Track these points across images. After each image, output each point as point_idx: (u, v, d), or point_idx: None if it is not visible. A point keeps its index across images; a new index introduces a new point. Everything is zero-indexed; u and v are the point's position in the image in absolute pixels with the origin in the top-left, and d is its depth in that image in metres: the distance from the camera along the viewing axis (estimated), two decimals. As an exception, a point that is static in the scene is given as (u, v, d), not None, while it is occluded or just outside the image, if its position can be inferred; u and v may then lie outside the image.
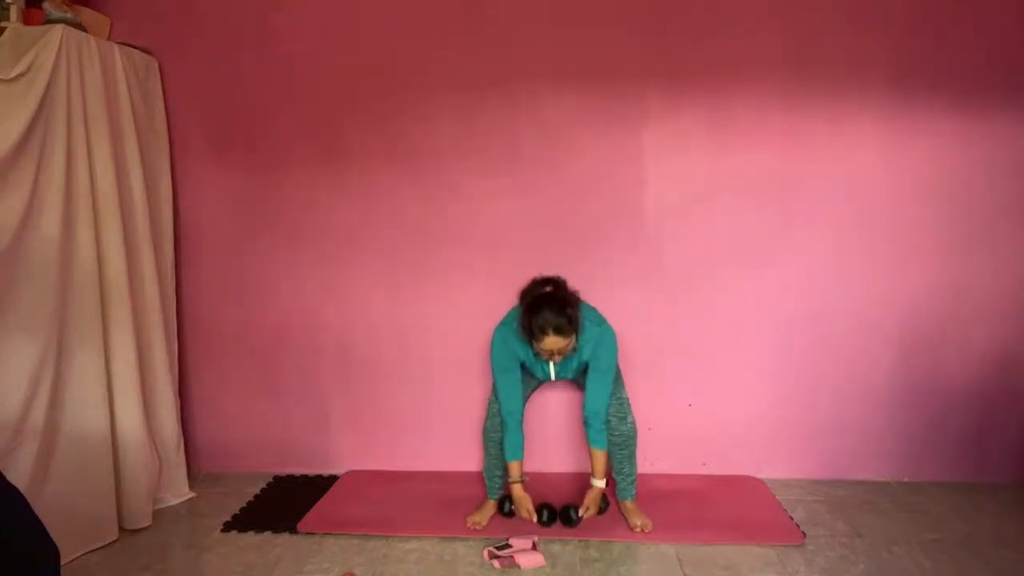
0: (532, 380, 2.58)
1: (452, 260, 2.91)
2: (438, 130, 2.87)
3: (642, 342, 2.88)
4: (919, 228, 2.80)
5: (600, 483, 2.45)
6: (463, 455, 3.00)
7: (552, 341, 2.22)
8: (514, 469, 2.46)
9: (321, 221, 2.96)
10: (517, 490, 2.47)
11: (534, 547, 2.33)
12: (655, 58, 2.78)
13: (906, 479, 2.94)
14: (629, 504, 2.55)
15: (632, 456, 2.54)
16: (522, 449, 2.46)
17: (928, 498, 2.76)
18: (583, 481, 2.90)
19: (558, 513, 2.49)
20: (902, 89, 2.74)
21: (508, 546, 2.33)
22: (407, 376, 3.01)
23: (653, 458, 2.96)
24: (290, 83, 2.90)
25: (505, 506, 2.55)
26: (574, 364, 2.42)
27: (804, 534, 2.43)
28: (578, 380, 2.59)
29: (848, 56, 2.73)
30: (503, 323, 2.44)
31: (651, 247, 2.87)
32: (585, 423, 2.43)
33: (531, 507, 2.46)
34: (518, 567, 2.23)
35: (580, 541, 2.41)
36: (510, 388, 2.42)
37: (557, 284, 2.32)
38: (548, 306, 2.22)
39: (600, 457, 2.43)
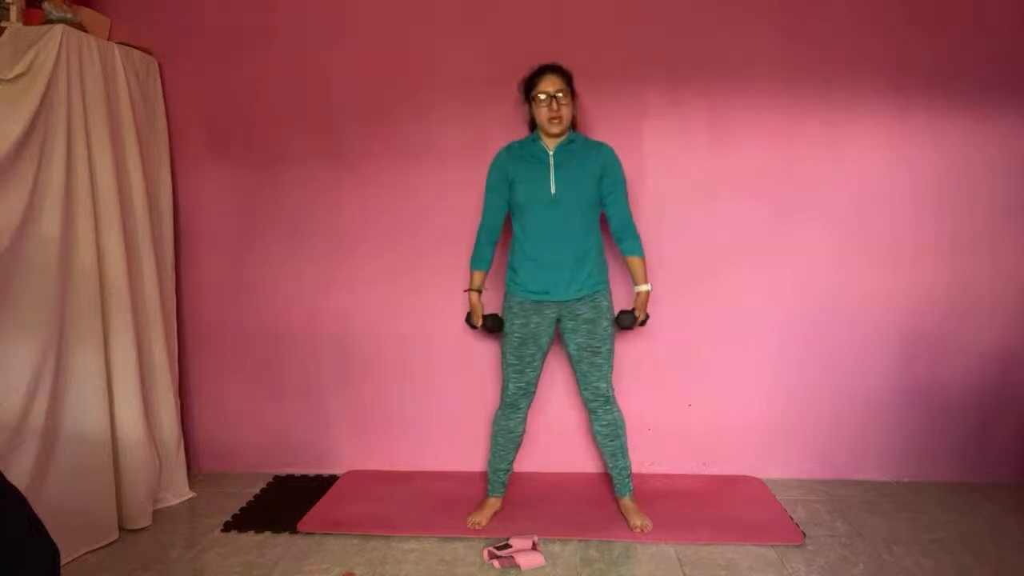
0: (536, 348, 2.47)
1: (452, 258, 2.91)
2: (437, 129, 2.87)
3: (642, 342, 2.88)
4: (919, 227, 2.80)
5: (646, 287, 2.50)
6: (463, 455, 3.00)
7: (550, 80, 2.34)
8: (476, 278, 2.55)
9: (321, 220, 2.96)
10: (473, 297, 2.55)
11: (534, 547, 2.33)
12: (654, 57, 2.78)
13: (906, 479, 2.94)
14: (627, 502, 2.55)
15: (623, 448, 2.53)
16: (488, 264, 2.55)
17: (928, 498, 2.76)
18: (583, 481, 2.91)
19: (616, 316, 2.50)
20: (902, 88, 2.74)
21: (508, 546, 2.33)
22: (407, 376, 3.01)
23: (653, 458, 2.96)
24: (290, 83, 2.90)
25: (470, 320, 2.59)
26: (577, 173, 2.38)
27: (804, 534, 2.43)
28: (576, 366, 2.53)
29: (848, 55, 2.74)
30: (504, 146, 2.52)
31: (650, 247, 2.85)
32: (617, 239, 2.49)
33: (480, 314, 2.55)
34: (518, 567, 2.23)
35: (580, 541, 2.41)
36: (493, 206, 2.50)
37: None
38: (544, 65, 2.40)
39: (639, 264, 2.48)
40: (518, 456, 2.63)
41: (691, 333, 2.91)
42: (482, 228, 2.54)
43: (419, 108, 2.87)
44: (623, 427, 2.53)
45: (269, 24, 2.88)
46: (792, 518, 2.56)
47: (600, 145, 2.47)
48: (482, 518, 2.52)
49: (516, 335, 2.46)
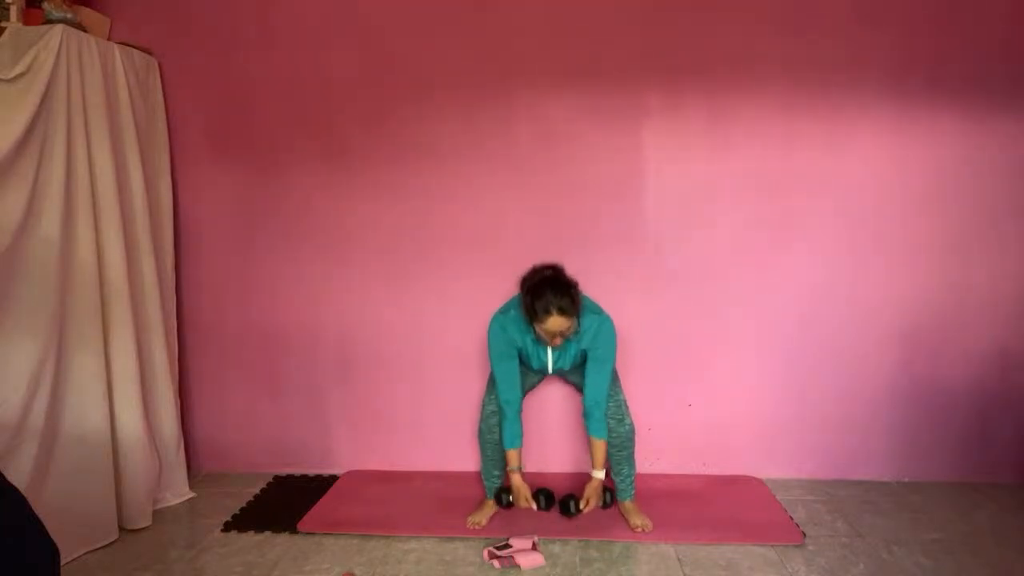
0: (529, 376, 2.58)
1: (452, 259, 2.92)
2: (437, 129, 2.87)
3: (642, 342, 2.88)
4: (919, 227, 2.80)
5: (600, 474, 2.45)
6: (463, 455, 3.00)
7: (555, 322, 2.19)
8: (512, 458, 2.44)
9: (320, 220, 2.96)
10: (516, 479, 2.45)
11: (534, 547, 2.33)
12: (655, 57, 2.78)
13: (906, 479, 2.94)
14: (629, 505, 2.55)
15: (631, 457, 2.54)
16: (520, 438, 2.45)
17: (928, 498, 2.76)
18: (582, 480, 2.90)
19: (557, 503, 2.48)
20: (903, 88, 2.74)
21: (508, 546, 2.33)
22: (407, 376, 3.01)
23: (653, 458, 2.96)
24: (290, 83, 2.90)
25: (503, 498, 2.54)
26: (572, 352, 2.40)
27: (804, 534, 2.43)
28: (574, 380, 2.59)
29: (848, 55, 2.73)
30: (501, 311, 2.44)
31: (651, 247, 2.87)
32: (585, 414, 2.42)
33: (529, 495, 2.45)
34: (518, 567, 2.23)
35: (580, 541, 2.41)
36: (508, 376, 2.41)
37: (557, 269, 2.32)
38: (551, 287, 2.21)
39: (600, 447, 2.41)
40: (518, 456, 2.63)
41: (691, 333, 2.91)
42: (506, 403, 2.41)
43: (419, 108, 2.87)
44: (633, 438, 2.53)
45: (269, 24, 2.88)
46: (792, 518, 2.56)
47: (597, 323, 2.35)
48: (482, 518, 2.52)
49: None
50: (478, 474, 2.84)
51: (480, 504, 2.61)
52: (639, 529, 2.45)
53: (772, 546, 2.36)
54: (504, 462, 2.55)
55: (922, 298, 2.83)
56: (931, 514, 2.62)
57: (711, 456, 2.97)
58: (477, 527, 2.49)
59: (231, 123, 2.94)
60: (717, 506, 2.67)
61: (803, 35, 2.74)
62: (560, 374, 2.57)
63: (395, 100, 2.87)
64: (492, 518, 2.56)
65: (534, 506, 2.43)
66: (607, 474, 2.53)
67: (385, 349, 3.00)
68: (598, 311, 2.39)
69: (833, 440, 2.93)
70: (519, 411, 2.45)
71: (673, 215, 2.85)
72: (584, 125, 2.82)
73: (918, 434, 2.91)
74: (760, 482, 2.89)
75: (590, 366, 2.38)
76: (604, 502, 2.54)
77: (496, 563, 2.25)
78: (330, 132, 2.91)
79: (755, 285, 2.86)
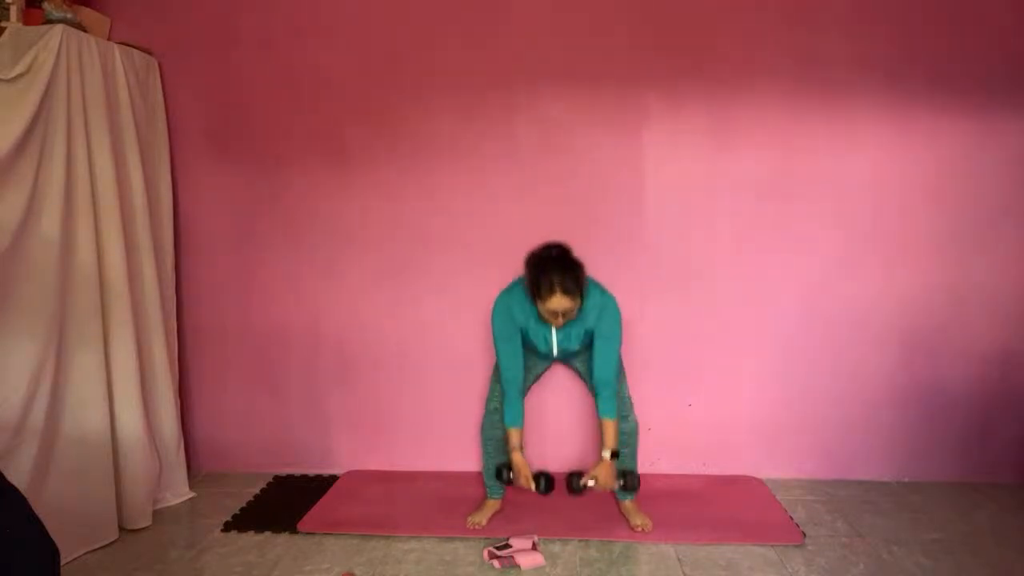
0: (533, 363, 2.54)
1: (451, 259, 2.92)
2: (438, 130, 2.87)
3: (642, 342, 2.88)
4: (920, 227, 2.80)
5: (607, 454, 2.35)
6: (463, 455, 3.00)
7: (558, 300, 2.17)
8: (514, 436, 2.41)
9: (321, 221, 2.96)
10: (517, 457, 2.40)
11: (534, 547, 2.33)
12: (655, 58, 2.78)
13: (906, 479, 2.94)
14: (629, 504, 2.55)
15: (634, 456, 2.54)
16: (522, 417, 2.42)
17: (928, 498, 2.76)
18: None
19: (564, 478, 2.38)
20: (902, 88, 2.74)
21: (508, 546, 2.33)
22: (407, 376, 3.01)
23: (653, 458, 2.96)
24: (290, 83, 2.90)
25: (504, 474, 2.46)
26: (577, 332, 2.37)
27: (804, 534, 2.43)
28: (578, 366, 2.57)
29: (848, 55, 2.73)
30: (506, 290, 2.42)
31: (651, 247, 2.87)
32: (595, 393, 2.39)
33: (529, 475, 2.38)
34: (518, 567, 2.23)
35: (580, 541, 2.41)
36: (511, 356, 2.39)
37: (564, 248, 2.30)
38: (556, 265, 2.20)
39: (610, 427, 2.35)
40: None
41: (691, 333, 2.91)
42: (508, 382, 2.40)
43: (418, 109, 2.87)
44: (636, 436, 2.53)
45: (269, 24, 2.88)
46: (792, 518, 2.56)
47: (601, 302, 2.34)
48: (482, 518, 2.52)
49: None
50: (478, 474, 2.84)
51: (480, 504, 2.61)
52: (639, 529, 2.45)
53: (772, 546, 2.36)
54: (506, 460, 2.55)
55: (922, 298, 2.83)
56: (931, 514, 2.62)
57: (711, 456, 2.97)
58: (477, 527, 2.49)
59: (231, 123, 2.94)
60: (717, 506, 2.67)
61: (803, 35, 2.74)
62: (565, 358, 2.54)
63: (395, 100, 2.87)
64: (492, 518, 2.56)
65: (533, 486, 2.36)
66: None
67: (385, 349, 3.00)
68: (603, 291, 2.37)
69: (833, 440, 2.93)
70: (521, 390, 2.42)
71: (673, 215, 2.85)
72: (584, 125, 2.82)
73: (918, 434, 2.91)
74: (760, 482, 2.90)
75: (597, 344, 2.35)
76: (624, 485, 2.40)
77: (496, 563, 2.25)
78: (330, 132, 2.91)
79: (755, 285, 2.86)
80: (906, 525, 2.53)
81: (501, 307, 2.39)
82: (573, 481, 2.36)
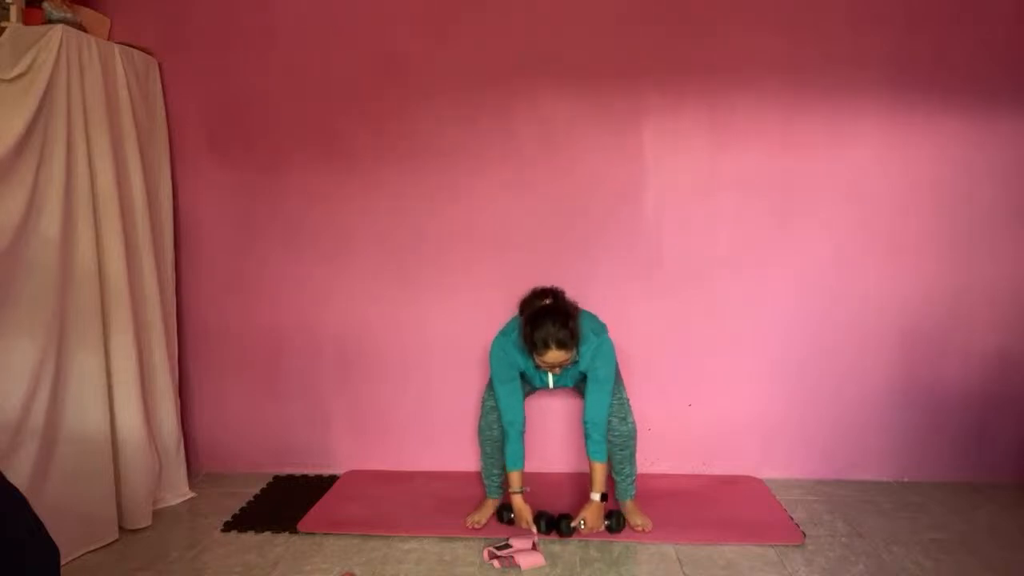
0: (529, 384, 2.58)
1: (452, 259, 2.92)
2: (438, 130, 2.87)
3: (642, 342, 2.88)
4: (919, 227, 2.80)
5: (597, 496, 2.38)
6: (463, 455, 3.00)
7: (554, 355, 2.21)
8: (515, 479, 2.44)
9: (321, 221, 2.96)
10: (517, 501, 2.43)
11: (534, 547, 2.33)
12: (655, 57, 2.78)
13: (906, 479, 2.94)
14: (629, 504, 2.55)
15: (632, 457, 2.54)
16: (523, 460, 2.45)
17: (928, 498, 2.76)
18: (582, 481, 2.90)
19: (554, 521, 2.43)
20: (902, 88, 2.74)
21: (508, 546, 2.33)
22: (407, 376, 3.02)
23: (653, 458, 2.96)
24: (290, 83, 2.90)
25: (504, 515, 2.52)
26: (573, 373, 2.44)
27: (804, 534, 2.43)
28: (578, 386, 2.59)
29: (848, 55, 2.73)
30: (502, 333, 2.44)
31: (651, 246, 2.87)
32: (585, 434, 2.41)
33: (530, 518, 2.41)
34: (518, 567, 2.23)
35: (580, 541, 2.41)
36: (511, 398, 2.41)
37: (557, 295, 2.33)
38: (550, 319, 2.21)
39: (599, 470, 2.38)
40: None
41: (691, 333, 2.91)
42: (509, 424, 2.41)
43: (419, 109, 2.87)
44: (635, 437, 2.53)
45: (269, 24, 2.88)
46: (792, 518, 2.56)
47: (596, 345, 2.33)
48: (481, 517, 2.52)
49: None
50: (478, 474, 2.84)
51: (480, 503, 2.62)
52: (639, 528, 2.45)
53: (772, 546, 2.36)
54: (502, 464, 2.56)
55: (922, 298, 2.83)
56: (931, 514, 2.62)
57: (711, 456, 2.98)
58: (477, 526, 2.49)
59: (231, 123, 2.94)
60: (717, 506, 2.67)
61: (803, 35, 2.74)
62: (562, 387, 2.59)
63: (395, 100, 2.87)
64: (492, 517, 2.56)
65: (534, 529, 2.41)
66: (609, 474, 2.52)
67: (385, 348, 3.00)
68: (598, 331, 2.37)
69: (833, 440, 2.93)
70: (522, 432, 2.44)
71: (674, 215, 2.85)
72: (585, 125, 2.82)
73: (918, 434, 2.91)
74: (760, 482, 2.90)
75: (589, 387, 2.37)
76: (610, 526, 2.44)
77: (496, 563, 2.25)
78: (330, 132, 2.91)
79: (755, 285, 2.86)
80: (906, 525, 2.53)
81: (499, 350, 2.40)
82: (563, 524, 2.40)
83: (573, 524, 2.39)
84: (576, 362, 2.34)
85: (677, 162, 2.83)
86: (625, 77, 2.80)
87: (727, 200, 2.83)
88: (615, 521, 2.45)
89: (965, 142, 2.75)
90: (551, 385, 2.48)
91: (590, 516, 2.38)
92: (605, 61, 2.79)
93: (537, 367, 2.36)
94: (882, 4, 2.71)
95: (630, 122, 2.82)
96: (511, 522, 2.48)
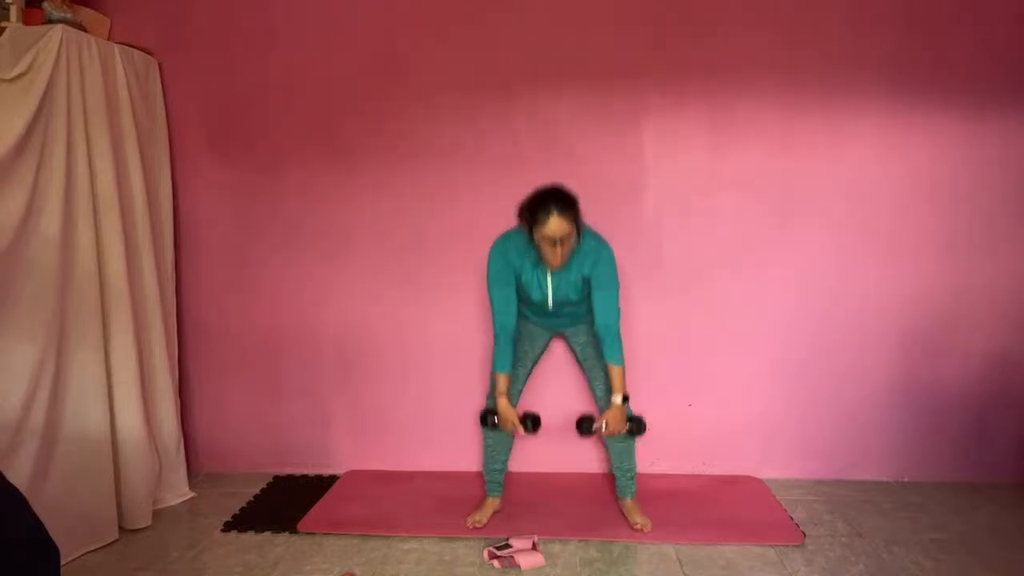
0: (529, 344, 2.52)
1: (452, 260, 2.91)
2: (438, 130, 2.87)
3: (642, 342, 2.88)
4: (919, 227, 2.80)
5: (618, 399, 2.35)
6: (463, 455, 3.00)
7: (555, 224, 2.17)
8: (501, 382, 2.40)
9: (321, 221, 2.96)
10: (502, 403, 2.40)
11: (534, 547, 2.33)
12: (655, 58, 2.78)
13: (906, 479, 2.94)
14: (629, 502, 2.55)
15: (631, 451, 2.53)
16: (511, 363, 2.42)
17: (928, 498, 2.76)
18: (583, 481, 2.91)
19: (576, 422, 2.39)
20: (901, 88, 2.74)
21: (508, 546, 2.33)
22: (407, 376, 3.02)
23: (653, 458, 2.96)
24: (290, 83, 2.90)
25: (488, 419, 2.46)
26: (573, 279, 2.35)
27: (804, 534, 2.43)
28: (576, 340, 2.55)
29: (848, 55, 2.73)
30: (502, 236, 2.42)
31: (651, 246, 2.87)
32: (599, 340, 2.38)
33: (516, 420, 2.39)
34: (518, 567, 2.23)
35: (580, 541, 2.41)
36: (504, 302, 2.38)
37: (559, 185, 2.31)
38: (552, 194, 2.22)
39: (618, 373, 2.34)
40: (518, 456, 2.64)
41: (691, 333, 2.91)
42: (500, 327, 2.39)
43: (419, 109, 2.87)
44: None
45: (269, 24, 2.88)
46: (792, 518, 2.56)
47: (594, 248, 2.33)
48: (482, 516, 2.52)
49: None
50: (478, 474, 2.84)
51: (480, 503, 2.61)
52: (639, 527, 2.45)
53: (772, 546, 2.36)
54: (506, 455, 2.57)
55: (922, 298, 2.83)
56: (931, 514, 2.62)
57: (711, 456, 2.98)
58: (477, 525, 2.49)
59: (231, 123, 2.94)
60: (717, 506, 2.67)
61: (803, 35, 2.74)
62: (561, 324, 2.49)
63: (395, 100, 2.87)
64: (492, 517, 2.56)
65: (521, 431, 2.38)
66: (606, 473, 2.52)
67: (385, 348, 3.00)
68: (598, 237, 2.38)
69: (833, 440, 2.93)
70: (512, 337, 2.41)
71: (673, 214, 2.85)
72: (585, 125, 2.82)
73: (918, 434, 2.91)
74: (760, 482, 2.90)
75: (596, 295, 2.34)
76: (631, 429, 2.40)
77: (496, 563, 2.25)
78: (330, 132, 2.91)
79: (755, 285, 2.86)
80: (906, 525, 2.53)
81: (497, 252, 2.39)
82: (584, 425, 2.38)
83: (595, 426, 2.37)
84: (577, 258, 2.30)
85: (677, 162, 2.83)
86: (625, 77, 2.80)
87: (727, 200, 2.83)
88: (636, 424, 2.42)
89: (965, 142, 2.75)
90: (550, 298, 2.37)
91: (612, 418, 2.35)
92: (605, 61, 2.79)
93: (536, 264, 2.32)
94: (882, 4, 2.71)
95: (630, 122, 2.82)
96: (495, 426, 2.44)
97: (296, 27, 2.88)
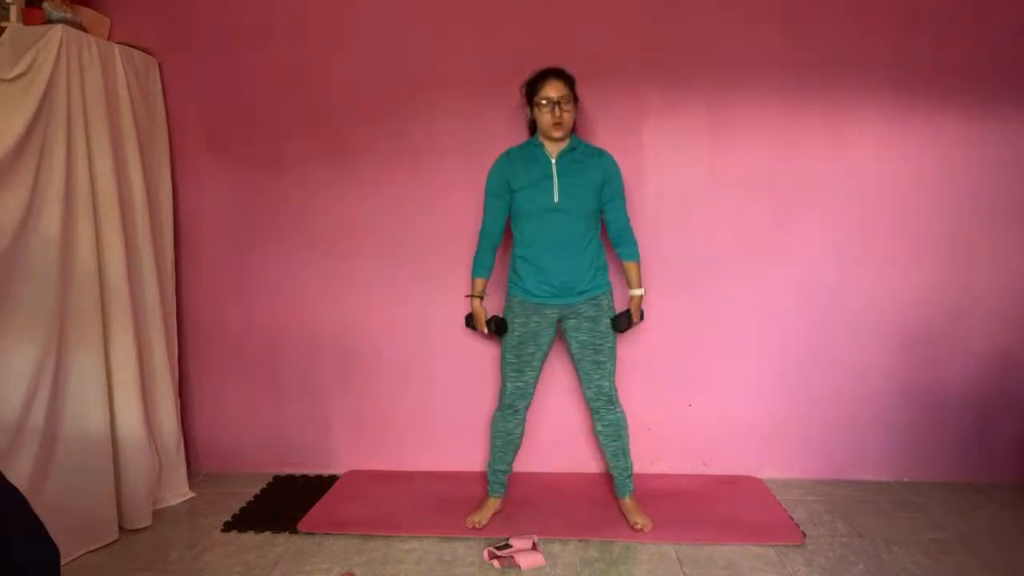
0: (536, 348, 2.48)
1: (452, 259, 2.91)
2: (438, 129, 2.87)
3: (642, 342, 2.88)
4: (919, 227, 2.80)
5: (638, 292, 2.54)
6: (463, 455, 3.00)
7: (553, 85, 2.33)
8: (478, 285, 2.56)
9: (321, 220, 2.96)
10: (475, 304, 2.56)
11: (534, 547, 2.33)
12: (654, 57, 2.78)
13: (906, 479, 2.94)
14: (628, 502, 2.55)
15: (625, 449, 2.54)
16: (489, 271, 2.57)
17: (928, 498, 2.76)
18: (583, 481, 2.91)
19: (611, 322, 2.49)
20: (902, 88, 2.74)
21: (508, 546, 2.33)
22: (407, 376, 3.01)
23: (653, 458, 2.96)
24: (290, 83, 2.90)
25: (468, 321, 2.64)
26: (580, 181, 2.40)
27: (804, 534, 2.43)
28: (573, 360, 2.55)
29: (848, 55, 2.73)
30: (503, 153, 2.52)
31: (651, 246, 2.86)
32: (614, 244, 2.53)
33: (483, 319, 2.56)
34: (518, 567, 2.23)
35: (580, 541, 2.41)
36: (495, 211, 2.50)
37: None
38: (550, 68, 2.39)
39: (633, 268, 2.53)
40: (518, 456, 2.63)
41: (691, 333, 2.91)
42: (484, 234, 2.54)
43: (420, 108, 2.87)
44: (625, 427, 2.54)
45: (269, 24, 2.88)
46: (792, 518, 2.56)
47: (601, 153, 2.48)
48: (482, 517, 2.52)
49: (516, 334, 2.47)
50: (479, 474, 2.85)
51: (481, 503, 2.61)
52: (639, 527, 2.45)
53: (772, 546, 2.36)
54: (512, 456, 2.58)
55: (922, 298, 2.83)
56: (931, 514, 2.62)
57: (711, 456, 2.97)
58: (478, 526, 2.49)
59: (231, 123, 2.94)
60: (717, 506, 2.67)
61: (804, 34, 2.74)
62: (566, 221, 2.40)
63: (395, 99, 2.87)
64: (492, 517, 2.56)
65: (485, 331, 2.56)
66: (606, 473, 2.52)
67: (385, 348, 3.01)
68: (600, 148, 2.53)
69: (833, 440, 2.93)
70: (495, 245, 2.55)
71: (673, 214, 2.85)
72: (585, 126, 2.82)
73: (918, 434, 2.91)
74: (760, 482, 2.90)
75: (610, 201, 2.47)
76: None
77: (496, 563, 2.25)
78: (330, 132, 2.91)
79: (755, 285, 2.86)
80: (906, 525, 2.53)
81: (498, 163, 2.51)
82: (621, 322, 2.51)
83: (634, 321, 2.55)
84: (582, 159, 2.41)
85: (677, 162, 2.83)
86: (624, 76, 2.80)
87: (727, 200, 2.83)
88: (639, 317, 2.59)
89: (965, 142, 2.75)
90: (555, 195, 2.37)
91: (634, 308, 2.54)
92: (604, 60, 2.79)
93: (539, 155, 2.41)
94: (882, 4, 2.71)
95: (630, 121, 2.82)
96: (472, 327, 2.62)
97: (296, 27, 2.88)
